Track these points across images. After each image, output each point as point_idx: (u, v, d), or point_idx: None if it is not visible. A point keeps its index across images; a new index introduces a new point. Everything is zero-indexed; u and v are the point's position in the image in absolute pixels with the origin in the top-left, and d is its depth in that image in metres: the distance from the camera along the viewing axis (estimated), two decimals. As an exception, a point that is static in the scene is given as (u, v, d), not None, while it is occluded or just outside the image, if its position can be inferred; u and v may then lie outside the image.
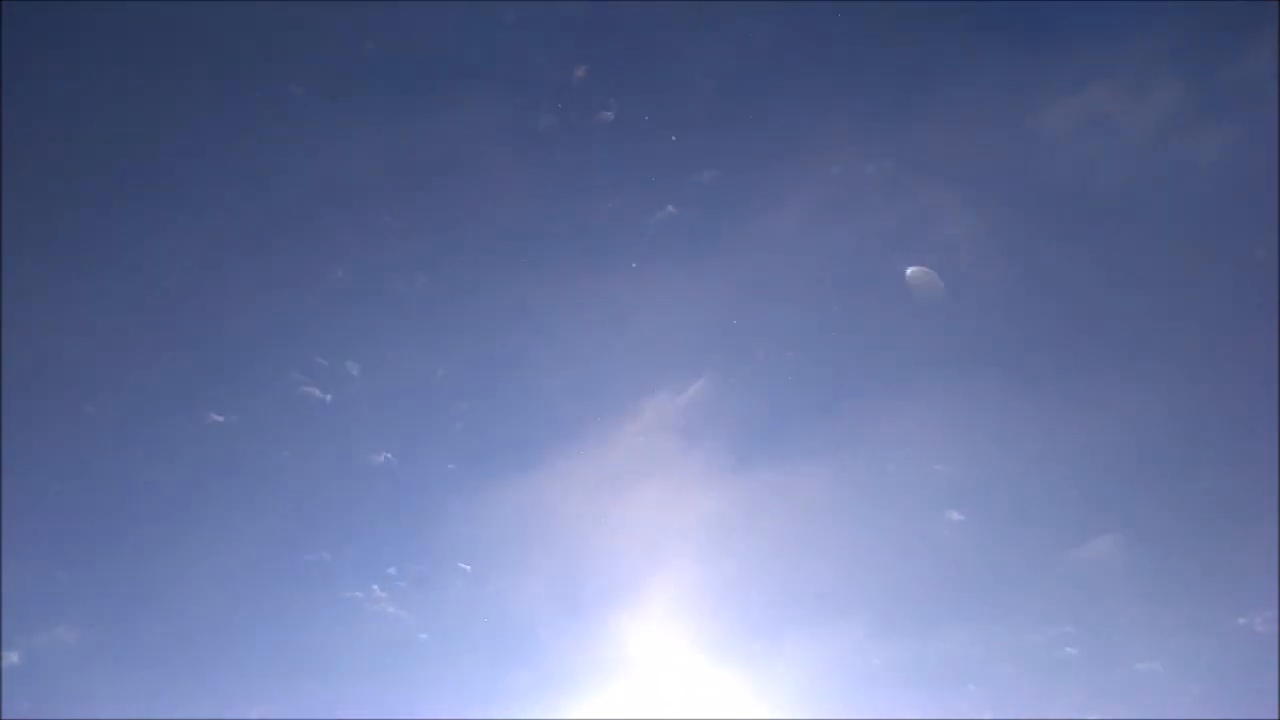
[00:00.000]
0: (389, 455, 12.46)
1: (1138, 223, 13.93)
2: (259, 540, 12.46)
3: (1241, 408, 13.62)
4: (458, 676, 12.26)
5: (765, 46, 12.36)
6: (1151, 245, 13.86)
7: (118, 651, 12.46)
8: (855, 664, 13.03)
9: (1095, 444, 13.53)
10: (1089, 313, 13.98)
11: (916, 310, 13.23)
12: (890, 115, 12.14)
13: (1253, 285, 13.23)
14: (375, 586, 12.14)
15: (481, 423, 12.66)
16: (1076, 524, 13.08)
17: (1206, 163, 12.60)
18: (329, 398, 12.32)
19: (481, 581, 12.12)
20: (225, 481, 12.63)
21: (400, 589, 12.23)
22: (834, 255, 12.65)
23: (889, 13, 12.34)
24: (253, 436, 12.54)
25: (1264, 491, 14.67)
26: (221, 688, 12.39)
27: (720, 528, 13.26)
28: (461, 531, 12.73)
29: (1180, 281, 13.81)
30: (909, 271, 11.60)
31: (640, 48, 12.25)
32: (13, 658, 12.19)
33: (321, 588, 12.26)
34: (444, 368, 12.58)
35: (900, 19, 12.34)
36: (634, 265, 12.38)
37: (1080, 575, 13.54)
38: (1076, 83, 12.49)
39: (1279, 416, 13.96)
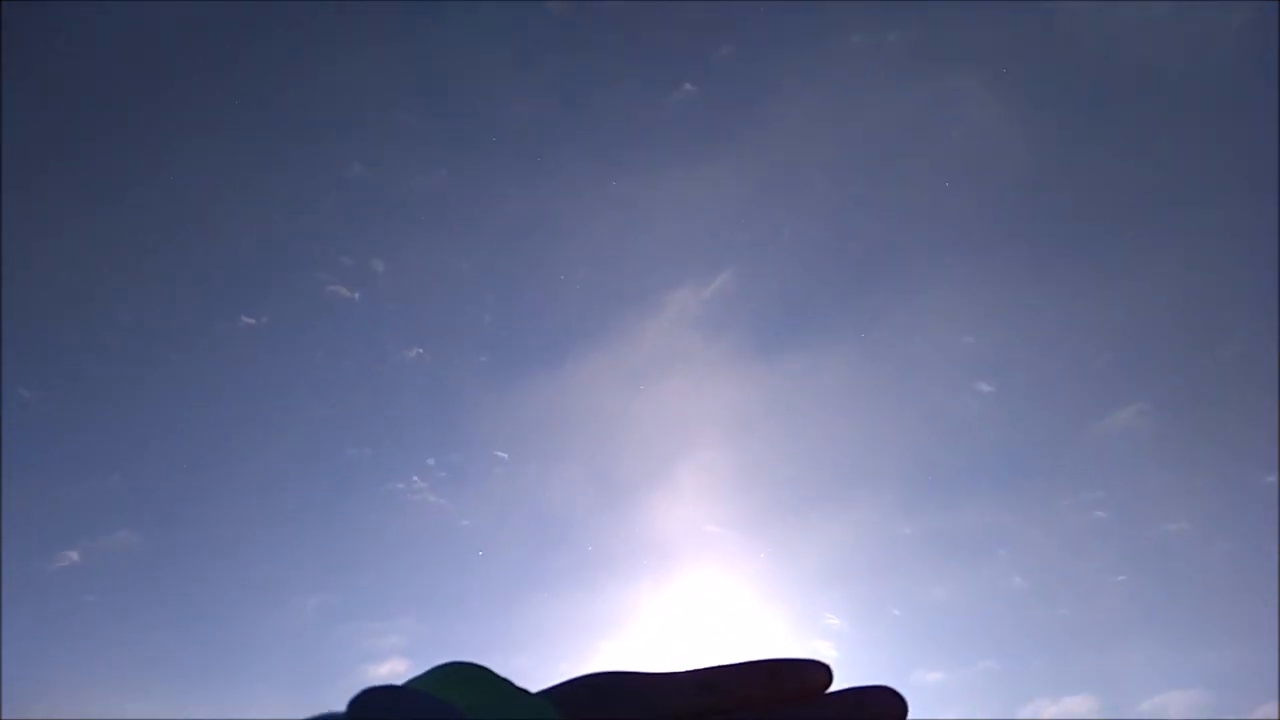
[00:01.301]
0: (420, 350, 12.66)
1: (1161, 94, 13.57)
2: (300, 438, 12.81)
3: (1269, 271, 13.46)
4: (500, 560, 12.70)
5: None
6: (1175, 114, 13.52)
7: (176, 552, 12.96)
8: (885, 535, 13.33)
9: (1122, 312, 13.48)
10: (1113, 182, 13.75)
11: (942, 187, 13.05)
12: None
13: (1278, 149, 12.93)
14: (415, 478, 12.49)
15: (510, 316, 12.79)
16: (1105, 391, 13.15)
17: (1232, 30, 12.17)
18: (357, 296, 12.46)
19: (518, 469, 12.43)
20: (263, 383, 12.91)
21: (440, 479, 12.58)
22: (857, 132, 12.47)
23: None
24: (285, 338, 12.76)
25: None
26: (277, 582, 12.91)
27: (748, 412, 13.43)
28: (496, 421, 13.01)
29: (1205, 147, 13.51)
30: None
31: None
32: (73, 556, 12.73)
33: (363, 482, 12.65)
34: (468, 261, 12.65)
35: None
36: (655, 151, 12.22)
37: (1110, 442, 13.66)
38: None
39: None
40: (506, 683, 0.26)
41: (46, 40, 11.71)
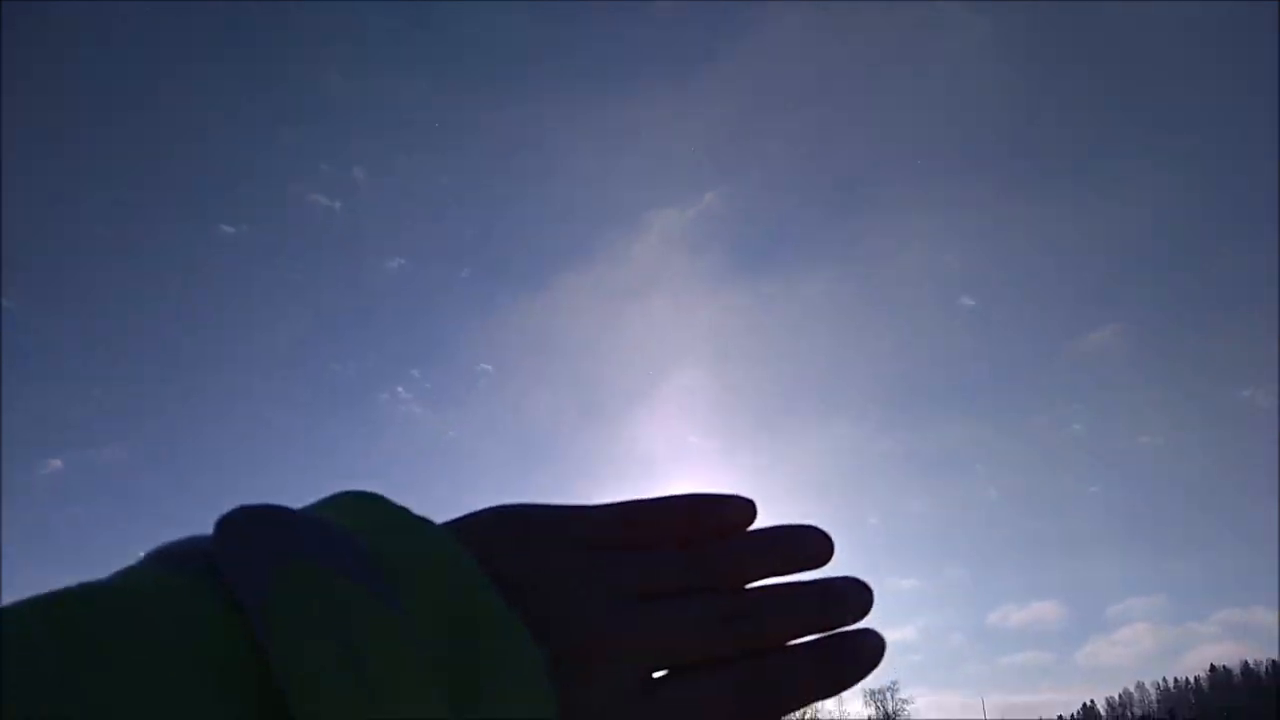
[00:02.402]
0: (402, 261, 12.51)
1: (1146, 18, 13.26)
2: (283, 350, 12.75)
3: (1242, 193, 13.42)
4: (486, 473, 12.86)
5: None
6: (1159, 40, 13.23)
7: (159, 463, 12.97)
8: (865, 448, 13.56)
9: (1102, 235, 13.45)
10: (1096, 104, 13.56)
11: (927, 108, 12.79)
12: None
13: (1254, 78, 12.76)
14: (400, 388, 12.51)
15: (492, 232, 12.64)
16: (1085, 311, 13.25)
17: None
18: (337, 205, 12.24)
19: (503, 382, 12.47)
20: (245, 293, 12.79)
21: (425, 390, 12.63)
22: (844, 51, 12.14)
23: None
24: (265, 247, 12.60)
25: (1266, 270, 14.60)
26: (263, 495, 13.10)
27: (732, 330, 13.45)
28: (480, 335, 12.99)
29: (1189, 72, 13.29)
30: None
31: None
32: (56, 464, 12.77)
33: (348, 392, 12.67)
34: (450, 175, 12.39)
35: None
36: (639, 68, 11.88)
37: (1089, 359, 13.82)
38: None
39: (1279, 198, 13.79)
40: (404, 510, 0.25)
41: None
